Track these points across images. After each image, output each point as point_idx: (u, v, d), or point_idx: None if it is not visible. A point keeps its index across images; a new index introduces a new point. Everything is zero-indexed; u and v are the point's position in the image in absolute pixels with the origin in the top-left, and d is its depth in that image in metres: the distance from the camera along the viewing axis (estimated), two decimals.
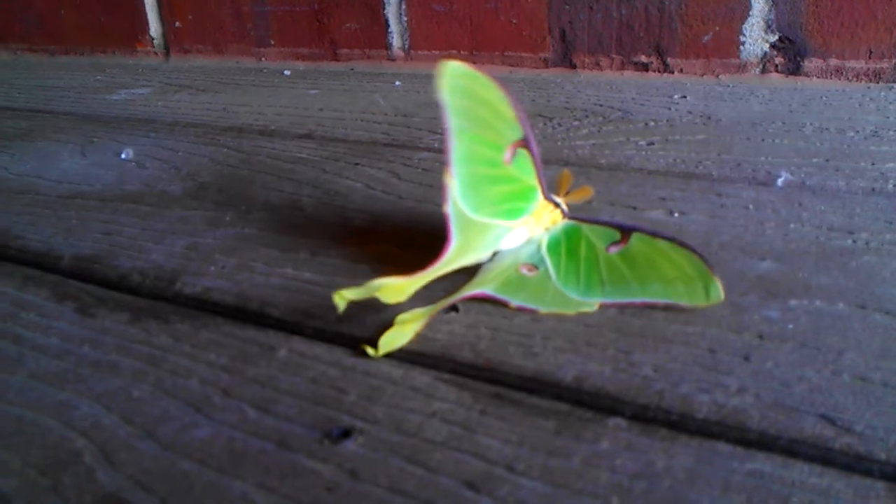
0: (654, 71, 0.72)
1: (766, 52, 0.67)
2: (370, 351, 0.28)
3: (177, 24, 0.99)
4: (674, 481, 0.22)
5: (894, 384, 0.25)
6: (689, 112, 0.58)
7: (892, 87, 0.63)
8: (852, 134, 0.50)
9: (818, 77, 0.66)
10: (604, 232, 0.32)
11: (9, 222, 0.45)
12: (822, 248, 0.34)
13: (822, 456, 0.22)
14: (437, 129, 0.58)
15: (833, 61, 0.65)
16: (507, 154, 0.33)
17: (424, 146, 0.54)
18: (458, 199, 0.31)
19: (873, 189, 0.41)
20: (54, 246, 0.41)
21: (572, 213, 0.34)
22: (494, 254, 0.33)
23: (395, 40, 0.85)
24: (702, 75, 0.70)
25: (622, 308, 0.30)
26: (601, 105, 0.62)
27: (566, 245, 0.33)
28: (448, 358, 0.28)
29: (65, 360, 0.30)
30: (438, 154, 0.52)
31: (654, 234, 0.31)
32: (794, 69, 0.67)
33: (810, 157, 0.46)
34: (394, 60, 0.85)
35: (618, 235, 0.32)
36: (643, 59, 0.73)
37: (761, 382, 0.25)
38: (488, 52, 0.80)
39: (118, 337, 0.31)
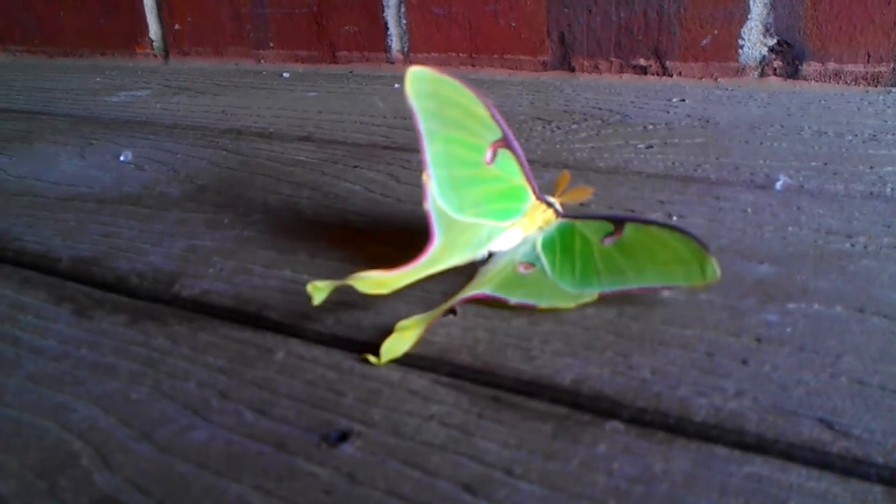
0: (653, 74, 0.72)
1: (764, 56, 0.67)
2: (372, 359, 0.28)
3: (176, 26, 0.99)
4: (671, 485, 0.22)
5: (892, 388, 0.25)
6: (688, 115, 0.58)
7: (891, 90, 0.63)
8: (850, 138, 0.50)
9: (816, 81, 0.66)
10: (597, 226, 0.32)
11: (7, 224, 0.45)
12: (821, 252, 0.34)
13: (820, 460, 0.22)
14: None
15: (831, 65, 0.65)
16: (487, 154, 0.33)
17: None
18: (438, 200, 0.32)
19: (871, 193, 0.41)
20: (52, 248, 0.41)
21: (567, 213, 0.34)
22: (490, 255, 0.33)
23: (394, 43, 0.85)
24: (700, 79, 0.70)
25: (620, 310, 0.30)
26: (600, 108, 0.62)
27: (560, 242, 0.33)
28: (446, 361, 0.28)
29: (62, 362, 0.30)
30: None
31: (646, 222, 0.31)
32: (793, 73, 0.67)
33: (808, 161, 0.46)
34: (393, 63, 0.85)
35: (611, 227, 0.32)
36: (642, 62, 0.73)
37: (759, 386, 0.25)
38: (487, 55, 0.80)
39: (116, 339, 0.31)
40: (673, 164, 0.48)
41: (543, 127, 0.58)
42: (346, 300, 0.33)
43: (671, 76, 0.72)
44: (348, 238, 0.40)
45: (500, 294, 0.31)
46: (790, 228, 0.37)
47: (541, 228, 0.34)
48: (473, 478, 0.22)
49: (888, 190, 0.41)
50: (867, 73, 0.64)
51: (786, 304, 0.30)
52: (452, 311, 0.31)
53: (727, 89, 0.67)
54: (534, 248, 0.33)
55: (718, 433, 0.23)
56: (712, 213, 0.40)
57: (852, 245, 0.35)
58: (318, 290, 0.29)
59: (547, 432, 0.24)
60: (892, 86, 0.63)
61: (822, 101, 0.60)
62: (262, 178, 0.50)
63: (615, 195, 0.43)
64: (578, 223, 0.33)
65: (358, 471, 0.23)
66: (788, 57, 0.67)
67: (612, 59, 0.74)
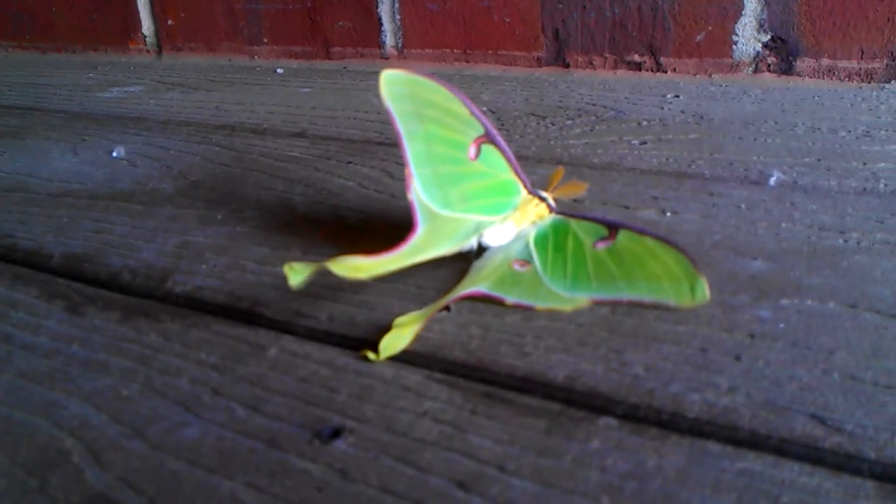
0: (647, 70, 0.72)
1: (758, 52, 0.67)
2: (371, 356, 0.28)
3: (169, 21, 0.98)
4: (664, 480, 0.22)
5: (884, 383, 0.25)
6: (682, 111, 0.58)
7: (884, 87, 0.63)
8: (844, 134, 0.51)
9: (810, 77, 0.66)
10: (592, 228, 0.32)
11: None
12: (814, 248, 0.34)
13: (812, 455, 0.22)
14: None
15: (825, 61, 0.65)
16: (470, 150, 0.33)
17: None
18: (422, 197, 0.33)
19: (864, 189, 0.41)
20: (44, 244, 0.41)
21: (562, 209, 0.34)
22: (484, 250, 0.33)
23: (389, 39, 0.84)
24: (694, 75, 0.70)
25: (614, 307, 0.30)
26: (594, 104, 0.62)
27: (553, 240, 0.33)
28: (439, 357, 0.28)
29: (54, 359, 0.30)
30: None
31: (641, 232, 0.31)
32: (787, 69, 0.67)
33: (802, 157, 0.46)
34: (387, 59, 0.85)
35: (605, 232, 0.32)
36: (636, 58, 0.73)
37: (752, 382, 0.25)
38: (481, 50, 0.80)
39: (108, 336, 0.31)
40: (667, 160, 0.48)
41: (538, 123, 0.58)
42: (339, 296, 0.33)
43: (665, 72, 0.72)
44: (342, 234, 0.40)
45: (496, 293, 0.31)
46: (783, 224, 0.37)
47: (534, 223, 0.34)
48: (466, 474, 0.22)
49: (881, 186, 0.41)
50: (861, 69, 0.64)
51: (779, 300, 0.30)
52: (446, 307, 0.31)
53: (721, 85, 0.67)
54: (527, 244, 0.33)
55: (711, 429, 0.23)
56: (706, 209, 0.40)
57: (845, 241, 0.35)
58: (295, 272, 0.28)
59: (540, 428, 0.24)
60: (886, 82, 0.63)
61: (816, 98, 0.61)
62: (255, 174, 0.50)
63: (609, 191, 0.43)
64: (573, 222, 0.33)
65: (350, 467, 0.23)
66: (782, 53, 0.67)
67: (607, 55, 0.74)
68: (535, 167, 0.47)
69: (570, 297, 0.30)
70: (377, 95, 0.34)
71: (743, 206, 0.40)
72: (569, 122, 0.57)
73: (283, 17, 0.90)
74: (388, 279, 0.32)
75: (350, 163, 0.51)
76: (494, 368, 0.27)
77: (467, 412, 0.25)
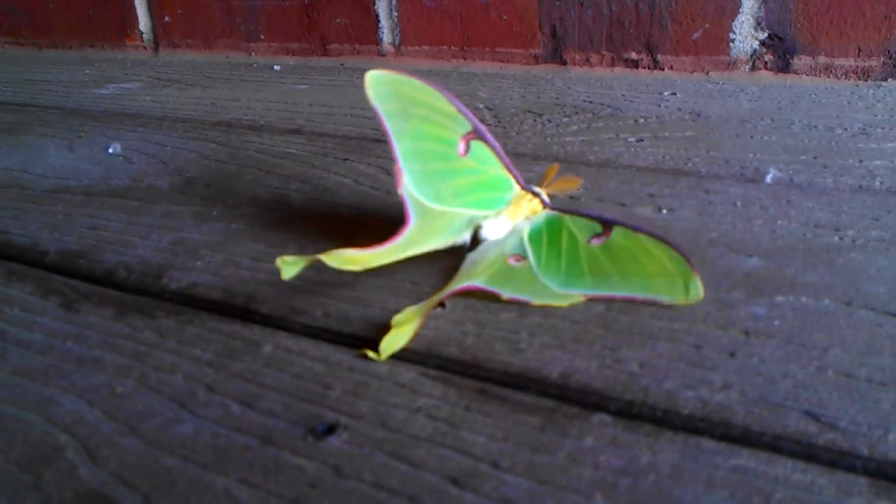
0: (645, 68, 0.72)
1: (755, 50, 0.67)
2: (372, 355, 0.28)
3: (166, 18, 0.98)
4: (658, 477, 0.22)
5: (878, 380, 0.25)
6: (679, 109, 0.58)
7: (881, 85, 0.63)
8: (840, 131, 0.51)
9: (807, 74, 0.66)
10: (586, 224, 0.32)
11: None
12: (809, 245, 0.34)
13: (806, 452, 0.22)
14: None
15: (822, 59, 0.65)
16: (459, 147, 0.34)
17: None
18: (413, 192, 0.33)
19: (860, 186, 0.41)
20: (40, 240, 0.41)
21: (556, 205, 0.34)
22: (478, 243, 0.33)
23: (386, 35, 0.84)
24: (691, 72, 0.70)
25: (609, 304, 0.30)
26: (591, 101, 0.62)
27: (548, 235, 0.33)
28: (434, 354, 0.28)
29: (48, 355, 0.30)
30: None
31: (635, 229, 0.31)
32: (784, 67, 0.67)
33: (798, 155, 0.46)
34: (384, 56, 0.85)
35: (599, 228, 0.32)
36: (633, 55, 0.73)
37: (746, 378, 0.25)
38: (479, 48, 0.80)
39: (102, 332, 0.31)
40: (663, 157, 0.48)
41: (534, 120, 0.58)
42: (334, 293, 0.33)
43: (662, 70, 0.72)
44: (338, 231, 0.40)
45: (492, 287, 0.31)
46: (779, 222, 0.37)
47: (528, 218, 0.34)
48: (460, 470, 0.22)
49: (877, 183, 0.41)
50: (857, 67, 0.64)
51: (774, 297, 0.30)
52: (441, 304, 0.31)
53: (718, 83, 0.67)
54: (522, 239, 0.33)
55: (705, 426, 0.23)
56: (702, 206, 0.40)
57: (841, 238, 0.35)
58: (288, 265, 0.29)
59: (534, 425, 0.24)
60: (882, 80, 0.64)
61: (813, 95, 0.61)
62: (251, 170, 0.50)
63: (605, 188, 0.43)
64: (567, 218, 0.33)
65: (344, 464, 0.23)
66: (779, 51, 0.67)
67: (604, 52, 0.74)
68: (531, 164, 0.47)
69: (568, 293, 0.31)
70: None
71: (739, 203, 0.40)
72: (565, 120, 0.57)
73: (280, 14, 0.90)
74: (382, 275, 0.32)
75: (346, 159, 0.51)
76: (489, 365, 0.27)
77: (461, 409, 0.25)
